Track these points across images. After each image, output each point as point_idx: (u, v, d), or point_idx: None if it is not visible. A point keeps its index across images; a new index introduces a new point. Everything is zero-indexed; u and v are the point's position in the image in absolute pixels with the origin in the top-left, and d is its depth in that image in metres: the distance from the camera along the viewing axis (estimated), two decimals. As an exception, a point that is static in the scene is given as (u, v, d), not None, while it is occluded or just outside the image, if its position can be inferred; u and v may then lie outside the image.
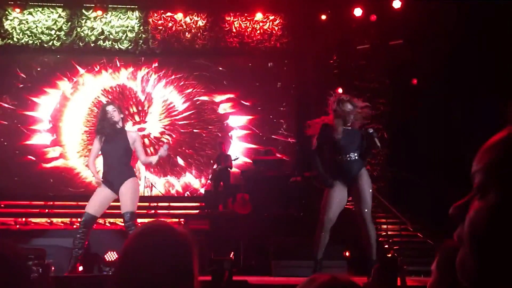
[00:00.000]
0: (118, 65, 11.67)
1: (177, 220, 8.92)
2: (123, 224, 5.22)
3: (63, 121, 11.36)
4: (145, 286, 1.15)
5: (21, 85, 11.29)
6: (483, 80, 8.71)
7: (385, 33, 10.42)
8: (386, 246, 8.08)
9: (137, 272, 1.16)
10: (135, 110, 11.53)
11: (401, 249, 7.94)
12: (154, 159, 5.37)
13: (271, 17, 11.23)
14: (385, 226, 8.70)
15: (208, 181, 9.99)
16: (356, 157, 4.91)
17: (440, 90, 9.14)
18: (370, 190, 5.04)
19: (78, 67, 11.53)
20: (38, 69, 11.43)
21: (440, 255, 1.42)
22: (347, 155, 4.87)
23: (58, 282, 3.99)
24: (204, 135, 11.49)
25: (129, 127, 5.59)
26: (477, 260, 0.74)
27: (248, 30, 11.22)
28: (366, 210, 4.89)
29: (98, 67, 11.61)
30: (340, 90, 10.51)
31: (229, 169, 9.62)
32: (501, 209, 0.72)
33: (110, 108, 5.16)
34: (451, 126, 9.14)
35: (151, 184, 10.84)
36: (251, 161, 10.36)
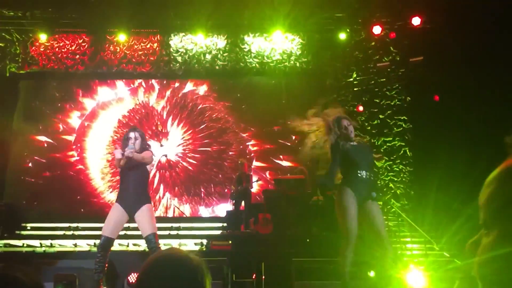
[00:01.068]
0: (141, 88, 11.91)
1: (199, 240, 8.94)
2: (148, 248, 5.21)
3: (87, 144, 11.56)
4: None
5: (47, 110, 11.58)
6: (507, 95, 8.58)
7: (405, 50, 10.39)
8: (412, 265, 7.93)
9: None
10: (157, 130, 11.67)
11: (426, 269, 7.77)
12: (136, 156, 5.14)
13: (290, 37, 11.31)
14: (410, 245, 8.55)
15: (230, 200, 9.98)
16: (368, 176, 4.79)
17: (462, 106, 9.03)
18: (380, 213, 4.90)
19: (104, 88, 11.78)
20: (63, 94, 11.72)
21: (460, 281, 1.40)
22: (359, 172, 4.77)
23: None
24: (225, 155, 11.55)
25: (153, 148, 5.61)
26: None
27: (267, 50, 11.31)
28: (383, 229, 4.77)
29: (121, 89, 11.86)
30: (361, 108, 10.50)
31: (250, 189, 9.61)
32: (503, 246, 0.72)
33: (132, 135, 5.21)
34: (474, 142, 8.99)
35: (174, 205, 10.90)
36: (272, 181, 10.35)
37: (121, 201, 5.19)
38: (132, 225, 6.05)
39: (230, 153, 11.59)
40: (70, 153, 11.49)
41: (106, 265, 5.25)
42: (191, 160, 11.58)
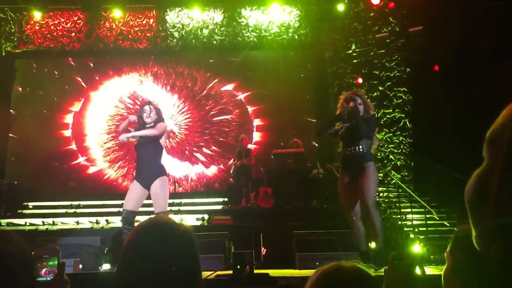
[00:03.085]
0: (138, 64, 11.82)
1: (201, 216, 8.99)
2: None
3: (87, 122, 11.53)
4: (148, 279, 1.14)
5: (44, 88, 11.51)
6: (507, 62, 8.49)
7: (404, 20, 10.25)
8: (412, 236, 7.98)
9: (139, 266, 1.16)
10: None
11: (427, 239, 7.82)
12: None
13: (288, 9, 11.16)
14: (410, 216, 8.58)
15: (231, 176, 10.00)
16: (361, 150, 4.95)
17: (463, 75, 8.95)
18: (375, 180, 4.98)
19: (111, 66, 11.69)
20: (59, 71, 11.63)
21: (453, 240, 1.38)
22: (351, 147, 4.97)
23: (85, 278, 4.07)
24: (226, 130, 11.52)
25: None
26: (472, 223, 0.76)
27: (265, 23, 11.18)
28: (368, 198, 4.84)
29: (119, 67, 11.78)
30: (360, 80, 10.42)
31: (250, 163, 9.62)
32: (481, 174, 0.73)
33: (147, 108, 5.38)
34: (476, 111, 8.94)
35: (175, 182, 10.93)
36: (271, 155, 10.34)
37: (138, 177, 5.29)
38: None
39: (230, 126, 11.55)
40: (69, 131, 11.46)
41: None
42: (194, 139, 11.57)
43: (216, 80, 11.72)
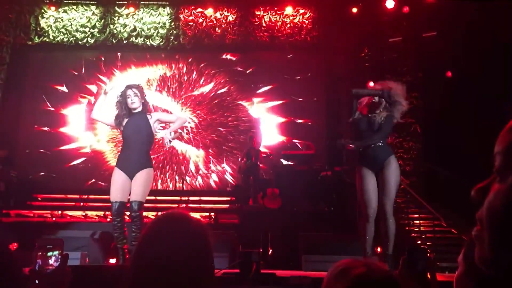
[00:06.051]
0: (150, 61, 11.86)
1: (207, 214, 9.00)
2: (129, 215, 4.92)
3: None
4: (162, 273, 1.15)
5: (57, 82, 11.58)
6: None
7: (418, 25, 10.20)
8: (419, 242, 7.95)
9: (154, 259, 1.16)
10: (167, 104, 11.66)
11: (434, 245, 7.79)
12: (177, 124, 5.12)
13: (301, 11, 11.16)
14: (418, 222, 8.56)
15: (239, 174, 10.01)
16: (381, 144, 4.71)
17: (475, 82, 8.89)
18: (396, 180, 4.71)
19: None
20: (72, 65, 11.70)
21: (466, 246, 1.37)
22: (368, 142, 4.68)
23: (88, 271, 4.09)
24: (235, 130, 11.53)
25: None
26: (493, 242, 0.73)
27: (278, 24, 11.18)
28: (388, 201, 4.60)
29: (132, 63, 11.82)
30: (371, 84, 10.36)
31: (259, 164, 9.61)
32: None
33: (130, 92, 4.97)
34: (487, 119, 8.87)
35: (182, 179, 10.95)
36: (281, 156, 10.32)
37: (122, 165, 4.91)
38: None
39: (240, 126, 11.54)
40: (80, 127, 11.51)
41: (126, 229, 4.92)
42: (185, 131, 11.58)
43: (227, 80, 11.73)
